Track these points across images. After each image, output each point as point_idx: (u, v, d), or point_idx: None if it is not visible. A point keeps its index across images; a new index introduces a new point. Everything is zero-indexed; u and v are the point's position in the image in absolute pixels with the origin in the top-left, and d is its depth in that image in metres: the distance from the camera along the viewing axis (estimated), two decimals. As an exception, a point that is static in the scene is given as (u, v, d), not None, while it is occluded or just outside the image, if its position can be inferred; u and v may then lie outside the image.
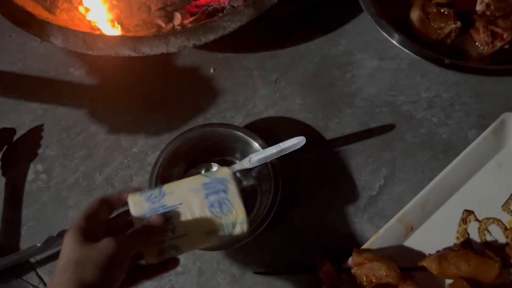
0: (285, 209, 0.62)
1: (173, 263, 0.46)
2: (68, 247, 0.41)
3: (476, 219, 0.60)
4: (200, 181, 0.48)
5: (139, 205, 0.45)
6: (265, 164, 0.59)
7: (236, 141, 0.64)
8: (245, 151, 0.63)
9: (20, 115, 0.74)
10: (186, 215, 0.45)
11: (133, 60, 0.68)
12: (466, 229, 0.60)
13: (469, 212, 0.60)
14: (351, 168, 0.65)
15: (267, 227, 0.58)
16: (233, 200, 0.47)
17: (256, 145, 0.61)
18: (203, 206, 0.46)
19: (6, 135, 0.71)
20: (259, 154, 0.59)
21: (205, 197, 0.46)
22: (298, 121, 0.68)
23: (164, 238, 0.44)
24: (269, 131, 0.68)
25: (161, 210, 0.45)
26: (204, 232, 0.45)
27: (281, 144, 0.58)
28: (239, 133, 0.63)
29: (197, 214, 0.45)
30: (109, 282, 0.40)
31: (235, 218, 0.46)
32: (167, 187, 0.47)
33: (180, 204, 0.46)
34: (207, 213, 0.45)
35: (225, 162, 0.65)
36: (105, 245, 0.40)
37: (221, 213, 0.46)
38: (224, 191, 0.47)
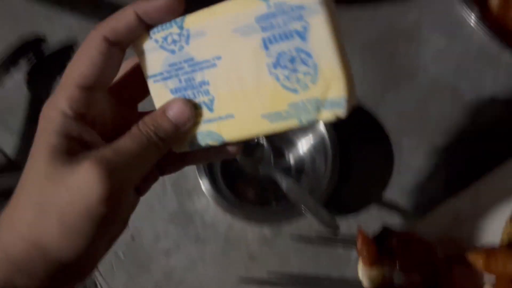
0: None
1: (223, 150, 0.30)
2: (34, 167, 0.26)
3: (524, 221, 0.58)
4: (251, 10, 0.25)
5: (151, 57, 0.28)
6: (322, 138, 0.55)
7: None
8: (307, 130, 0.59)
9: (51, 24, 0.67)
10: (229, 82, 0.27)
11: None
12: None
13: (518, 213, 0.58)
14: (402, 147, 0.61)
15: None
16: (320, 55, 0.24)
17: (321, 126, 0.56)
18: (259, 65, 0.26)
19: (37, 47, 0.65)
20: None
21: (262, 46, 0.26)
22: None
23: (196, 118, 0.29)
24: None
25: (186, 68, 0.28)
26: (261, 114, 0.27)
27: None
28: None
29: (249, 81, 0.26)
30: (92, 250, 0.26)
31: (324, 93, 0.25)
32: (192, 21, 0.27)
33: (218, 58, 0.27)
34: (267, 79, 0.26)
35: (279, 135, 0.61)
36: (85, 183, 0.24)
37: (295, 81, 0.25)
38: (302, 35, 0.24)
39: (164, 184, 0.59)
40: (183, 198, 0.59)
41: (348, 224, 0.58)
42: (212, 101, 0.28)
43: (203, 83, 0.28)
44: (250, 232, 0.57)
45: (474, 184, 0.57)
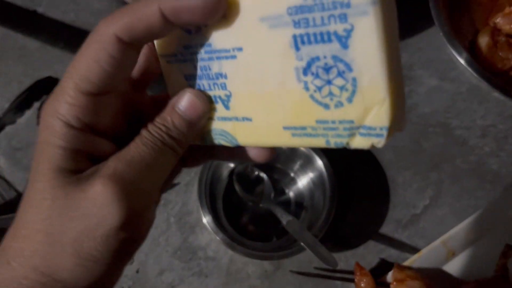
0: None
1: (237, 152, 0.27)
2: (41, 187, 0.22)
3: (517, 255, 0.60)
4: None
5: (167, 38, 0.24)
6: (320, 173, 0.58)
7: (298, 155, 0.61)
8: (305, 167, 0.61)
9: (64, 67, 0.70)
10: (249, 80, 0.23)
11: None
12: (505, 263, 0.59)
13: (510, 247, 0.60)
14: (397, 183, 0.64)
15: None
16: (363, 68, 0.19)
17: (319, 162, 0.59)
18: (286, 67, 0.21)
19: (49, 85, 0.68)
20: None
21: (292, 45, 0.20)
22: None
23: (211, 113, 0.25)
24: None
25: (203, 55, 0.24)
26: (283, 126, 0.23)
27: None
28: (304, 149, 0.59)
29: (272, 83, 0.22)
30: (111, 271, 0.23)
31: (362, 117, 0.20)
32: None
33: (239, 49, 0.22)
34: (294, 85, 0.21)
35: (279, 171, 0.64)
36: (100, 208, 0.21)
37: (327, 94, 0.21)
38: (342, 40, 0.19)
39: (168, 219, 0.61)
40: (186, 233, 0.61)
41: (346, 258, 0.60)
42: (228, 97, 0.24)
43: (220, 75, 0.23)
44: (251, 266, 0.59)
45: (467, 219, 0.59)
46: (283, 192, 0.63)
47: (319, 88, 0.21)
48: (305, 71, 0.21)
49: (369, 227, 0.61)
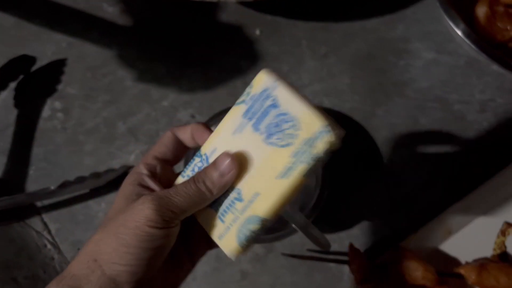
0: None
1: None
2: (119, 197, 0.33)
3: (516, 233, 0.58)
4: (238, 113, 0.33)
5: None
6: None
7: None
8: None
9: (42, 45, 0.67)
10: (244, 169, 0.32)
11: (175, 7, 0.62)
12: (503, 242, 0.57)
13: (509, 225, 0.58)
14: (393, 161, 0.61)
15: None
16: (293, 109, 0.30)
17: None
18: (258, 144, 0.32)
19: (25, 64, 0.65)
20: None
21: (254, 130, 0.32)
22: (344, 103, 0.64)
23: (235, 214, 0.33)
24: (312, 107, 0.63)
25: None
26: (275, 177, 0.31)
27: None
28: None
29: (258, 160, 0.32)
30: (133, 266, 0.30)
31: (309, 131, 0.30)
32: (205, 147, 0.35)
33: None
34: (268, 150, 0.31)
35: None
36: (137, 209, 0.30)
37: (286, 137, 0.30)
38: (274, 105, 0.31)
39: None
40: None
41: (340, 240, 0.58)
42: (239, 193, 0.33)
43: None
44: (242, 250, 0.57)
45: (465, 197, 0.57)
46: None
47: (280, 138, 0.31)
48: (268, 136, 0.31)
49: (364, 207, 0.59)
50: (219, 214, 0.34)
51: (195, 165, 0.35)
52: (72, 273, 0.29)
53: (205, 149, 0.34)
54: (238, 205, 0.33)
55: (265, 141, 0.31)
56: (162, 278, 0.33)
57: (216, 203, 0.34)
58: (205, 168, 0.33)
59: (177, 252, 0.34)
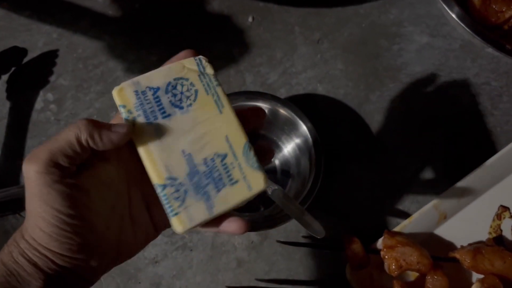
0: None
1: None
2: None
3: (511, 216, 0.58)
4: (145, 133, 0.32)
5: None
6: (306, 139, 0.55)
7: (281, 120, 0.58)
8: (290, 132, 0.58)
9: (32, 36, 0.66)
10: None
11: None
12: (499, 225, 0.57)
13: (504, 208, 0.58)
14: (388, 146, 0.61)
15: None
16: (166, 77, 0.33)
17: (304, 127, 0.56)
18: (184, 119, 0.33)
19: (16, 55, 0.64)
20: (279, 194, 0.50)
21: (166, 118, 0.32)
22: (338, 89, 0.63)
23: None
24: (305, 96, 0.63)
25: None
26: (215, 113, 0.33)
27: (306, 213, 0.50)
28: (286, 112, 0.57)
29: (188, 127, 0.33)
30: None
31: (193, 70, 0.34)
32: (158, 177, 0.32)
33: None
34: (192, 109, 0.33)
35: (263, 138, 0.61)
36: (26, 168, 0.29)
37: (185, 95, 0.33)
38: (156, 90, 0.32)
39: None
40: (169, 206, 0.58)
41: (335, 226, 0.58)
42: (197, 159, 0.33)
43: None
44: (237, 238, 0.57)
45: (460, 181, 0.56)
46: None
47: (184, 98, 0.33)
48: (180, 107, 0.33)
49: (359, 193, 0.59)
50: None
51: (167, 197, 0.31)
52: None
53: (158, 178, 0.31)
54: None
55: (185, 110, 0.32)
56: (117, 239, 0.31)
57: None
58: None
59: (139, 217, 0.33)
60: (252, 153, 0.32)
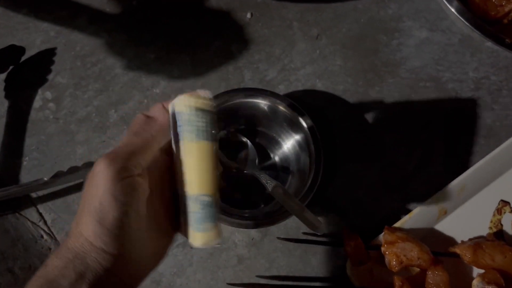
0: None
1: None
2: None
3: None
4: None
5: None
6: (305, 135, 0.55)
7: (280, 117, 0.58)
8: (290, 129, 0.58)
9: (30, 34, 0.66)
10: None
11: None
12: (500, 220, 0.57)
13: (505, 203, 0.58)
14: (387, 143, 0.61)
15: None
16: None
17: (303, 124, 0.55)
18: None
19: (14, 54, 0.64)
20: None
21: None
22: (337, 84, 0.63)
23: (181, 209, 0.35)
24: (305, 92, 0.63)
25: None
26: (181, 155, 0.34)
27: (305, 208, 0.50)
28: (285, 109, 0.56)
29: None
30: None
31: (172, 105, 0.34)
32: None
33: None
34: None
35: (262, 135, 0.61)
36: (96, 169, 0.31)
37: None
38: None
39: (149, 190, 0.59)
40: (168, 203, 0.58)
41: (335, 222, 0.58)
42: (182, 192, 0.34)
43: None
44: (237, 235, 0.57)
45: (460, 176, 0.56)
46: (268, 157, 0.60)
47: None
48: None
49: (358, 189, 0.59)
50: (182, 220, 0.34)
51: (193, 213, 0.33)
52: (67, 246, 0.30)
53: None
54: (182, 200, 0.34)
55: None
56: (146, 246, 0.32)
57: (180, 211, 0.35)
58: (143, 121, 0.33)
59: (161, 223, 0.34)
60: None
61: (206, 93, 0.33)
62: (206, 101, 0.33)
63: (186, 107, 0.32)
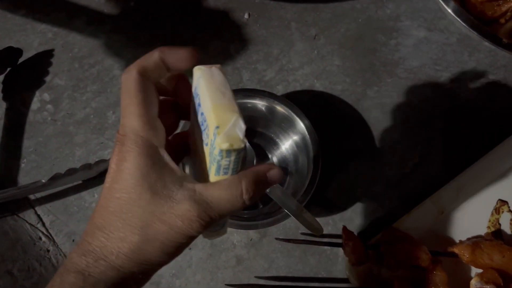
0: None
1: None
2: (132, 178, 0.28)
3: (510, 210, 0.58)
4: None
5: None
6: (303, 136, 0.55)
7: (278, 117, 0.58)
8: (288, 129, 0.58)
9: (27, 36, 0.66)
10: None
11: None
12: (498, 219, 0.57)
13: (503, 202, 0.58)
14: (385, 142, 0.61)
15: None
16: (205, 107, 0.28)
17: (301, 125, 0.55)
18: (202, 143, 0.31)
19: (11, 56, 0.64)
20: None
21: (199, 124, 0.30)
22: (335, 85, 0.63)
23: None
24: (303, 93, 0.63)
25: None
26: (209, 167, 0.30)
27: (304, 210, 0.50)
28: (283, 109, 0.56)
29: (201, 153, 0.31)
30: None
31: (211, 131, 0.28)
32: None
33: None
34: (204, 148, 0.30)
35: (260, 136, 0.60)
36: (183, 212, 0.28)
37: (205, 136, 0.29)
38: (199, 103, 0.30)
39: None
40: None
41: (334, 222, 0.58)
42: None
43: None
44: (236, 236, 0.57)
45: (459, 176, 0.56)
46: (266, 158, 0.60)
47: (204, 137, 0.29)
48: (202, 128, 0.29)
49: (357, 189, 0.59)
50: None
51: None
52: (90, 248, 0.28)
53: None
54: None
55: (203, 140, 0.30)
56: None
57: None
58: (257, 182, 0.30)
59: None
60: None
61: (241, 129, 0.28)
62: (237, 141, 0.27)
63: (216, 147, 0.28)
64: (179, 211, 0.27)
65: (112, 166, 0.28)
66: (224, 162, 0.28)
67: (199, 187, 0.29)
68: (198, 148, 0.31)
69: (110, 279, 0.28)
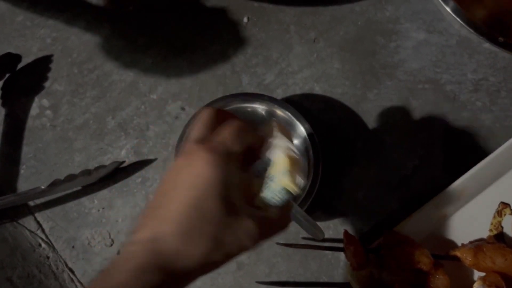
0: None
1: None
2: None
3: (512, 213, 0.57)
4: None
5: None
6: (303, 139, 0.55)
7: (278, 121, 0.57)
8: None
9: (26, 42, 0.66)
10: None
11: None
12: (500, 222, 0.57)
13: (505, 205, 0.58)
14: (386, 144, 0.61)
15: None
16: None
17: (301, 128, 0.55)
18: None
19: (10, 61, 0.64)
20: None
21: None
22: (335, 88, 0.63)
23: None
24: (303, 96, 0.63)
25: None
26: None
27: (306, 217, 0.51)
28: (283, 114, 0.56)
29: None
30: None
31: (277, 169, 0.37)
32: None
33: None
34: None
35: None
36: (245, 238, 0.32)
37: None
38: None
39: (147, 197, 0.58)
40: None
41: (335, 226, 0.57)
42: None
43: None
44: (237, 240, 0.57)
45: (460, 179, 0.56)
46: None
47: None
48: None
49: (358, 192, 0.59)
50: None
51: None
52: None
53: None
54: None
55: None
56: None
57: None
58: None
59: None
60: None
61: (301, 182, 0.36)
62: (294, 189, 0.36)
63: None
64: (242, 236, 0.32)
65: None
66: (278, 196, 0.36)
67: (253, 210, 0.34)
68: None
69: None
